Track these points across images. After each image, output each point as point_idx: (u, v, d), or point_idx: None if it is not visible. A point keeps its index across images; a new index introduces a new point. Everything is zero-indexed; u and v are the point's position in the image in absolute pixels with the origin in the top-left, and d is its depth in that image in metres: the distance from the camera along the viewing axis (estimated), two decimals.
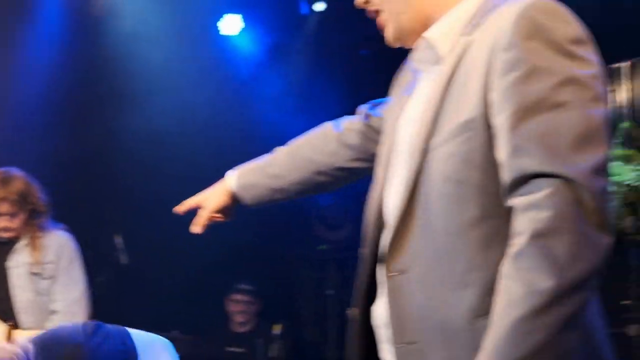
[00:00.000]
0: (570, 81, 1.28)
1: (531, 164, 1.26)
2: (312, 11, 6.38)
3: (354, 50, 6.24)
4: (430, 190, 1.40)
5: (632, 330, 4.23)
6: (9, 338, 3.11)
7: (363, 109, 1.98)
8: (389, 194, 1.52)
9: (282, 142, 2.11)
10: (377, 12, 1.61)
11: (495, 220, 1.33)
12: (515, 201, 1.28)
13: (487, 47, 1.36)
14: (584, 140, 1.26)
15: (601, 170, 1.26)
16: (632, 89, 4.51)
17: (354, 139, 1.95)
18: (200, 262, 5.81)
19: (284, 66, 6.56)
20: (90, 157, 5.93)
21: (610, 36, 4.88)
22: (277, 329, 5.70)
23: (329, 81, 6.16)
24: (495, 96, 1.32)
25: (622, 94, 4.54)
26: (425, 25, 1.53)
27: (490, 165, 1.33)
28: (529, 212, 1.24)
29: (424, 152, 1.42)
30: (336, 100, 5.67)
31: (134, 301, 5.63)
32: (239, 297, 5.88)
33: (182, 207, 2.13)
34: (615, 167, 4.17)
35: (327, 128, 2.02)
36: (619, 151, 4.26)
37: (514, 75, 1.30)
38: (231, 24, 6.46)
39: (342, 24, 5.91)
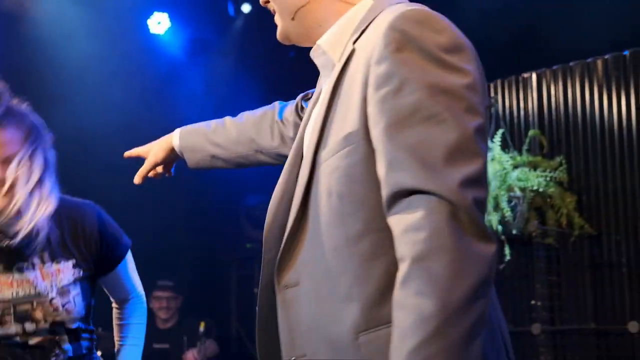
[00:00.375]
0: (443, 92, 1.25)
1: (406, 179, 1.24)
2: (239, 12, 6.43)
3: (282, 52, 6.29)
4: (318, 204, 1.37)
5: (535, 329, 4.39)
6: None
7: (298, 99, 1.95)
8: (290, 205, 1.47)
9: None
10: (271, 7, 1.58)
11: (378, 234, 1.30)
12: (394, 220, 1.25)
13: (364, 59, 1.34)
14: (456, 152, 1.22)
15: (475, 181, 1.22)
16: (540, 98, 4.66)
17: (289, 131, 1.92)
18: None
19: (209, 66, 6.58)
20: None
21: (519, 47, 5.08)
22: (202, 326, 5.74)
23: (254, 82, 6.21)
24: (371, 110, 1.30)
25: (530, 103, 4.69)
26: (316, 29, 1.51)
27: (372, 179, 1.30)
28: (408, 235, 1.22)
29: (314, 165, 1.39)
30: (261, 101, 5.72)
31: None
32: (159, 293, 5.93)
33: (128, 153, 2.18)
34: (523, 173, 4.31)
35: (273, 111, 1.99)
36: (525, 158, 4.41)
37: (386, 89, 1.27)
38: (159, 23, 6.45)
39: (270, 25, 5.95)
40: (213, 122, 2.04)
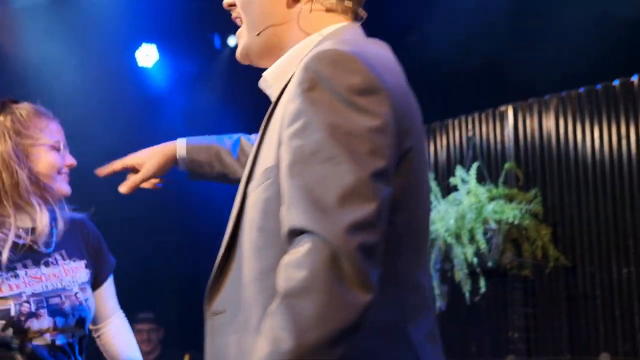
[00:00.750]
0: (346, 134, 1.24)
1: (297, 220, 1.23)
2: (225, 45, 6.50)
3: None
4: (244, 235, 1.39)
5: None
6: None
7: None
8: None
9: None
10: (240, 20, 1.55)
11: None
12: (284, 257, 1.25)
13: (286, 96, 1.36)
14: (349, 195, 1.21)
15: (365, 226, 1.21)
16: (516, 131, 4.71)
17: None
18: None
19: (195, 99, 6.64)
20: None
21: (496, 80, 5.15)
22: (187, 359, 5.74)
23: (239, 115, 6.26)
24: (282, 147, 1.31)
25: (506, 136, 4.74)
26: (277, 52, 1.49)
27: None
28: (287, 270, 1.21)
29: (244, 196, 1.41)
30: (245, 132, 5.79)
31: None
32: (140, 326, 5.93)
33: (106, 169, 2.06)
34: (498, 205, 4.35)
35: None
36: (502, 190, 4.45)
37: (294, 127, 1.28)
38: (147, 55, 6.53)
39: None
40: (227, 140, 2.00)
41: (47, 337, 2.27)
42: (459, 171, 4.54)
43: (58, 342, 2.29)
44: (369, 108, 1.26)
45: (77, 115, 5.97)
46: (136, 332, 5.92)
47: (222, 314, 1.42)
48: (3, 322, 2.22)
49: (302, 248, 1.21)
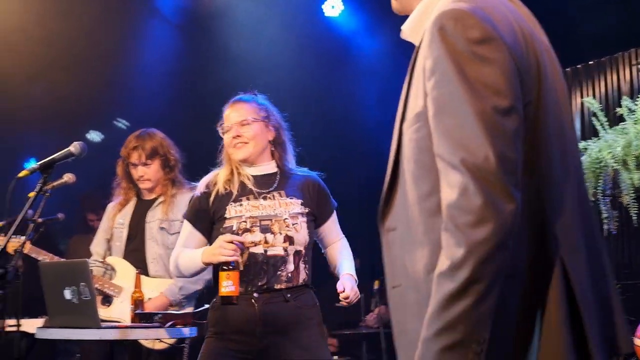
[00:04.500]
0: (471, 80, 1.45)
1: (446, 156, 1.47)
2: None
3: None
4: (403, 166, 1.63)
5: None
6: (136, 283, 3.74)
7: None
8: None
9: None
10: None
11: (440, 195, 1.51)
12: (443, 191, 1.48)
13: (423, 49, 1.57)
14: (483, 130, 1.43)
15: (501, 151, 1.43)
16: None
17: None
18: None
19: (383, 43, 7.02)
20: None
21: None
22: (376, 284, 6.15)
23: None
24: (427, 99, 1.54)
25: None
26: (410, 4, 1.75)
27: None
28: (446, 192, 1.47)
29: (400, 134, 1.65)
30: None
31: None
32: None
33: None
34: None
35: None
36: None
37: (432, 81, 1.51)
38: (332, 7, 7.05)
39: None
40: None
41: (261, 248, 3.08)
42: (625, 101, 4.72)
43: (270, 253, 3.07)
44: (488, 55, 1.47)
45: (277, 64, 6.65)
46: None
47: (394, 231, 1.66)
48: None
49: (454, 180, 1.45)
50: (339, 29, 7.25)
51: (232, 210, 3.14)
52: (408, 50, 1.68)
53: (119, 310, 4.06)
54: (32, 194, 3.16)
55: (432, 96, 1.51)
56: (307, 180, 3.29)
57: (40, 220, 3.38)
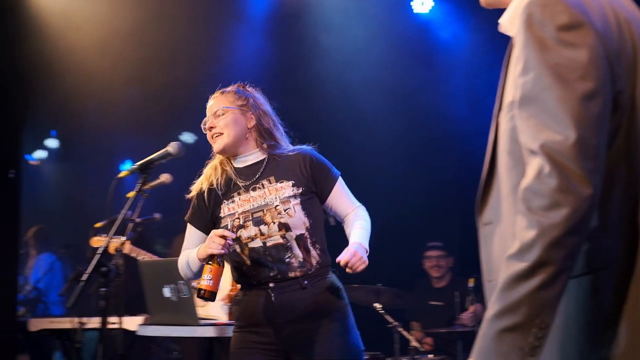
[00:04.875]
0: (556, 65, 1.45)
1: (529, 143, 1.47)
2: None
3: None
4: (498, 158, 1.62)
5: None
6: (232, 282, 3.52)
7: None
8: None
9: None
10: None
11: None
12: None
13: (515, 37, 1.57)
14: (566, 116, 1.42)
15: (582, 135, 1.42)
16: None
17: None
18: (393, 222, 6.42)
19: (471, 39, 6.94)
20: None
21: None
22: (471, 282, 6.09)
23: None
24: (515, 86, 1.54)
25: None
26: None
27: None
28: (524, 180, 1.47)
29: (497, 124, 1.64)
30: None
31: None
32: (429, 253, 6.42)
33: None
34: None
35: None
36: None
37: (519, 68, 1.51)
38: (422, 4, 7.01)
39: None
40: None
41: (259, 241, 3.01)
42: None
43: (269, 244, 3.00)
44: (575, 41, 1.47)
45: (367, 60, 6.64)
46: (426, 258, 6.49)
47: (489, 224, 1.65)
48: None
49: (532, 164, 1.46)
50: (428, 25, 7.19)
51: (225, 208, 3.08)
52: (498, 47, 1.65)
53: (216, 308, 4.11)
54: (131, 194, 3.21)
55: (518, 84, 1.51)
56: (298, 157, 3.10)
57: (138, 220, 3.44)
